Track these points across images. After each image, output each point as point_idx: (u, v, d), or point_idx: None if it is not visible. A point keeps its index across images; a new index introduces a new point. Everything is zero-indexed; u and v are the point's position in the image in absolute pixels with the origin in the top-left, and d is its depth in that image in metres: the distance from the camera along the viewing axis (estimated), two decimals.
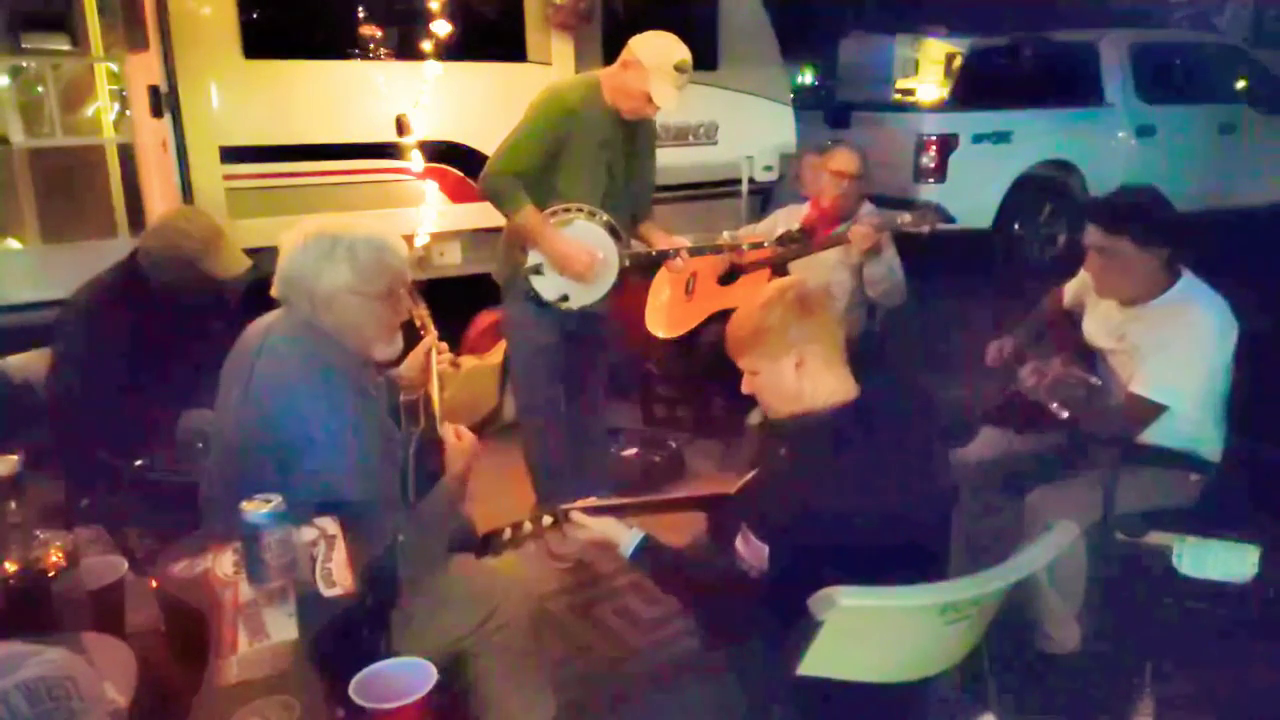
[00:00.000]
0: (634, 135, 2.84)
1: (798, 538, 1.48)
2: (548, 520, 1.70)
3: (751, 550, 1.53)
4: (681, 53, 2.64)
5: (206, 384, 1.84)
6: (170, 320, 2.43)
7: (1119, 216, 2.25)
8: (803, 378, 1.61)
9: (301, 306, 1.71)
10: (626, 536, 1.66)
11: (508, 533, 1.72)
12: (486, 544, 1.75)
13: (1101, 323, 2.41)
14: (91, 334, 2.41)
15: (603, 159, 2.75)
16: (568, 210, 2.73)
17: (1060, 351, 2.40)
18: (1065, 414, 2.18)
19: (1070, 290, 2.64)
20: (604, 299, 2.87)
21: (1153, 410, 2.18)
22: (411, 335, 2.05)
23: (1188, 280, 2.27)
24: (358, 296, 1.70)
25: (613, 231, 2.79)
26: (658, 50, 2.63)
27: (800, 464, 1.61)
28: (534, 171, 2.72)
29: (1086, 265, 2.35)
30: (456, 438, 1.88)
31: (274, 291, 1.74)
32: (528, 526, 1.71)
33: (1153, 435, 2.21)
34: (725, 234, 3.52)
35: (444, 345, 2.18)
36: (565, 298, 2.78)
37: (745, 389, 1.69)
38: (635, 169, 2.88)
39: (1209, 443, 2.31)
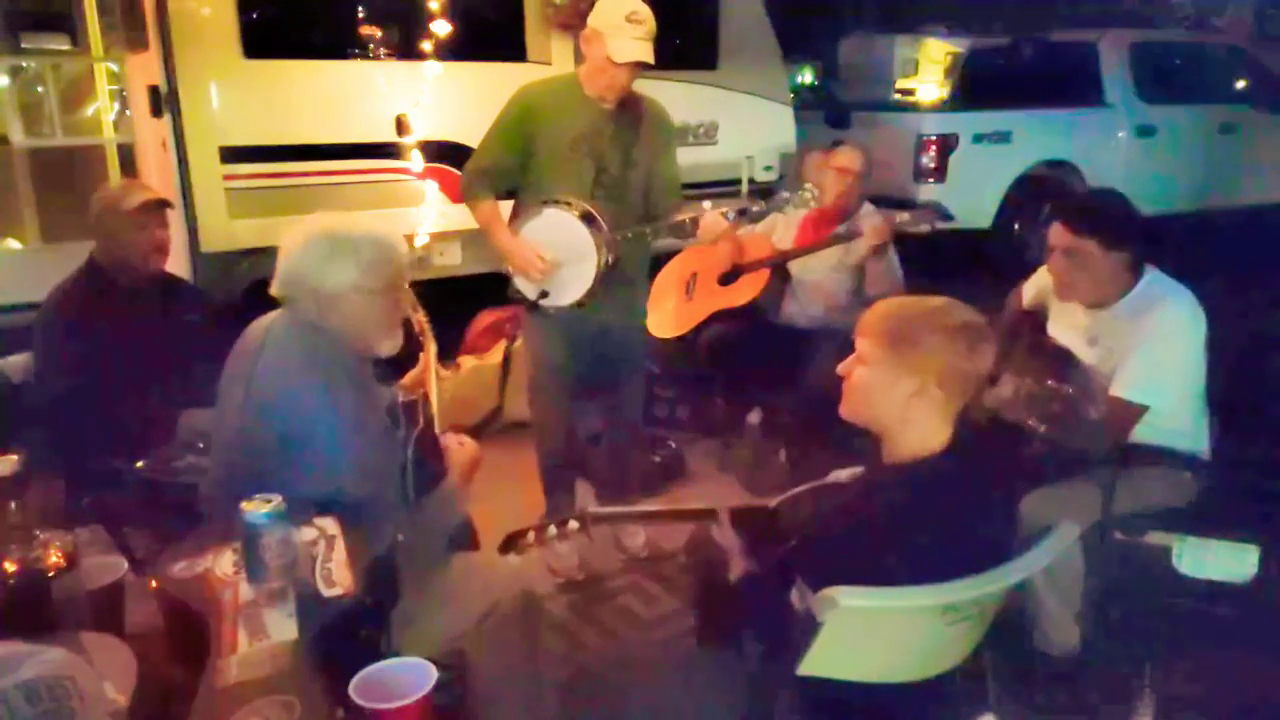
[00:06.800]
0: (631, 126, 2.71)
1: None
2: (573, 525, 1.70)
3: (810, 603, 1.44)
4: (632, 4, 2.52)
5: (205, 383, 1.84)
6: (133, 311, 2.49)
7: (1088, 218, 2.24)
8: (909, 409, 1.47)
9: (306, 306, 1.71)
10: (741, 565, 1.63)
11: (531, 536, 1.72)
12: (509, 543, 1.76)
13: (1068, 323, 2.39)
14: (65, 336, 2.44)
15: (584, 151, 2.66)
16: (544, 203, 2.68)
17: (1033, 356, 2.36)
18: (1042, 428, 2.16)
19: (1030, 290, 2.61)
20: (610, 303, 2.74)
21: (1135, 411, 2.17)
22: (408, 336, 2.06)
23: (1152, 276, 2.26)
24: (363, 294, 1.71)
25: (588, 220, 2.64)
26: (605, 10, 2.56)
27: (876, 517, 1.49)
28: (508, 168, 2.71)
29: (1050, 266, 2.33)
30: (459, 445, 1.89)
31: (274, 291, 1.73)
32: (552, 530, 1.71)
33: (1135, 436, 2.21)
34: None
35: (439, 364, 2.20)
36: (545, 294, 2.71)
37: (841, 370, 1.56)
38: (637, 159, 2.72)
39: (1193, 439, 2.31)
